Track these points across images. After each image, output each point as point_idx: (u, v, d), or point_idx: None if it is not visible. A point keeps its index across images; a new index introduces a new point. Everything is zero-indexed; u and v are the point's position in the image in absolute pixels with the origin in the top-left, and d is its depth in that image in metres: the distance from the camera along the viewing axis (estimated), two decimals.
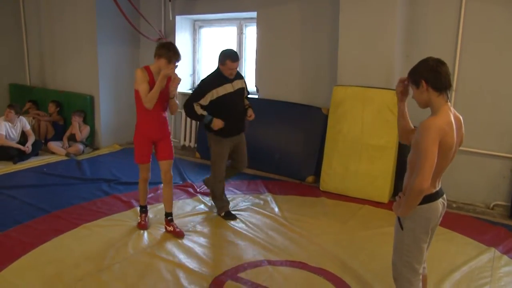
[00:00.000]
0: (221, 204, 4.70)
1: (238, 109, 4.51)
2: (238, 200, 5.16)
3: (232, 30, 7.31)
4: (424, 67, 2.33)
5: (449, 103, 2.36)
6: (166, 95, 4.02)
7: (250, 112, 4.56)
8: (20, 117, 6.91)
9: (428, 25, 5.26)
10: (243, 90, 4.53)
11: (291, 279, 3.47)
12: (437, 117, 2.28)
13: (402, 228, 2.46)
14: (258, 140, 6.20)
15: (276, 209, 4.92)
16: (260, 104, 6.55)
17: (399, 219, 2.49)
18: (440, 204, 2.45)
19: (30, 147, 6.71)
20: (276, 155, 6.16)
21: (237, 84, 4.43)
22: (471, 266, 3.72)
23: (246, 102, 4.65)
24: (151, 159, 4.21)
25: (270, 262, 3.71)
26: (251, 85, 6.97)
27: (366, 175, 5.25)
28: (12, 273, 3.40)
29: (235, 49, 7.14)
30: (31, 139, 6.83)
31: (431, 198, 2.40)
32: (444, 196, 2.51)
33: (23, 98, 8.08)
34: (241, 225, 4.50)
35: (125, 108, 7.91)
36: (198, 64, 7.89)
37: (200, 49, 7.85)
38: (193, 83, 7.92)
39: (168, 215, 4.28)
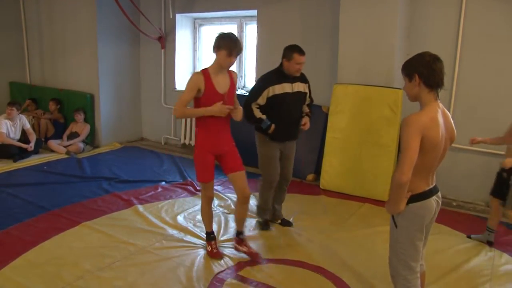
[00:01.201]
0: (262, 212, 4.35)
1: (293, 113, 4.10)
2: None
3: (233, 28, 7.30)
4: (420, 61, 2.32)
5: (438, 101, 2.36)
6: (230, 102, 3.50)
7: (305, 120, 4.14)
8: (20, 115, 6.90)
9: (429, 23, 5.25)
10: (303, 94, 4.13)
11: (291, 278, 3.48)
12: (420, 113, 2.29)
13: (396, 226, 2.46)
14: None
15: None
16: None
17: (393, 217, 2.49)
18: (433, 202, 2.45)
19: (33, 145, 6.71)
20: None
21: (298, 87, 4.06)
22: (471, 264, 3.72)
23: (306, 109, 4.24)
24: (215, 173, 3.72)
25: (269, 261, 3.71)
26: (251, 83, 6.97)
27: (367, 173, 5.25)
28: (13, 271, 3.40)
29: None
30: (33, 138, 6.82)
31: (424, 195, 2.40)
32: (439, 194, 2.51)
33: (23, 96, 8.09)
34: None
35: (125, 107, 7.94)
36: (198, 62, 7.89)
37: (200, 47, 7.84)
38: None
39: (240, 233, 3.80)
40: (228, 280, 3.39)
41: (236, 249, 3.80)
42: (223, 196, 5.21)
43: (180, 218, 4.55)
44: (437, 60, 2.31)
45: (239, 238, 3.80)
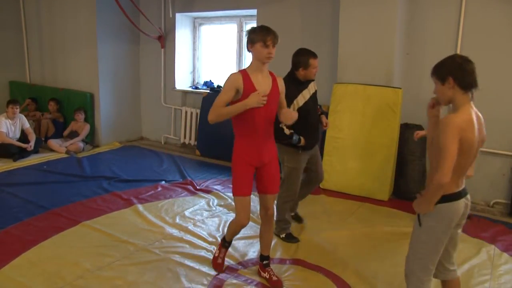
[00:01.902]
0: (284, 226, 4.14)
1: (314, 117, 3.99)
2: None
3: (232, 27, 7.31)
4: (452, 63, 2.31)
5: (471, 102, 2.34)
6: (274, 105, 3.17)
7: (325, 119, 4.06)
8: (20, 115, 6.90)
9: (428, 22, 5.26)
10: (315, 94, 4.04)
11: (290, 276, 3.48)
12: (457, 114, 2.26)
13: (420, 224, 2.42)
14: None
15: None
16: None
17: (418, 215, 2.44)
18: (463, 204, 2.40)
19: (33, 145, 6.72)
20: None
21: (312, 88, 3.97)
22: (471, 263, 3.72)
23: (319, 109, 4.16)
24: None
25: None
26: None
27: (366, 173, 5.25)
28: (13, 270, 3.40)
29: (235, 47, 7.22)
30: (33, 137, 6.82)
31: (453, 197, 2.36)
32: (468, 196, 2.46)
33: (23, 96, 8.09)
34: None
35: (125, 106, 7.94)
36: (198, 61, 7.89)
37: (200, 47, 7.84)
38: (193, 80, 7.92)
39: (264, 258, 3.45)
40: (228, 280, 3.40)
41: (259, 274, 3.48)
42: (223, 196, 5.21)
43: (179, 218, 4.55)
44: (469, 61, 2.31)
45: (263, 264, 3.46)
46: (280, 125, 3.61)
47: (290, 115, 3.11)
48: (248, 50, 3.10)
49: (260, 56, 3.02)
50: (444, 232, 2.39)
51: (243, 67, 7.11)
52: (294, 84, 3.80)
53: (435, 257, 2.44)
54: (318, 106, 4.12)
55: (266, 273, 3.39)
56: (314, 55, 3.84)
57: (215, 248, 3.69)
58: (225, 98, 3.01)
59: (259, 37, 2.99)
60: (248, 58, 7.15)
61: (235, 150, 3.18)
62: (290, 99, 3.66)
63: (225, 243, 3.51)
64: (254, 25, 6.60)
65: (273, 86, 3.12)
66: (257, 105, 2.96)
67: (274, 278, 3.35)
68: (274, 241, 4.08)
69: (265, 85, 3.08)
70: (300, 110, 3.70)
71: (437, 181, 2.22)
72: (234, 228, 3.37)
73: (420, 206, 2.41)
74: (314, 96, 3.99)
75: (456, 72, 2.28)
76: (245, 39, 3.18)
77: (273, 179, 3.27)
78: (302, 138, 3.76)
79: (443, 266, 2.58)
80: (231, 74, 3.07)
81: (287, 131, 3.71)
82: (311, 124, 3.91)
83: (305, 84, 3.89)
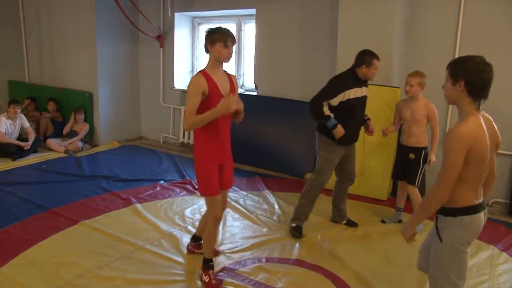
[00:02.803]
0: (299, 216, 4.24)
1: (359, 117, 4.16)
2: (237, 197, 5.16)
3: (231, 27, 7.29)
4: (471, 66, 2.14)
5: (479, 110, 2.20)
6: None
7: (372, 125, 4.18)
8: (20, 114, 6.90)
9: (428, 22, 5.26)
10: (366, 98, 4.18)
11: (289, 277, 3.48)
12: (466, 122, 2.12)
13: (441, 240, 2.26)
14: (257, 136, 6.21)
15: (276, 206, 4.93)
16: (259, 101, 6.56)
17: (437, 230, 2.29)
18: (482, 217, 2.27)
19: (30, 144, 6.71)
20: (276, 151, 6.16)
21: (365, 91, 4.12)
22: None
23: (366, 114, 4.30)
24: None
25: (268, 259, 3.72)
26: (250, 82, 6.98)
27: (366, 172, 5.25)
28: (12, 270, 3.40)
29: (234, 47, 7.20)
30: (32, 137, 6.82)
31: (473, 210, 2.22)
32: (486, 209, 2.32)
33: (22, 95, 8.08)
34: (240, 222, 4.50)
35: (124, 105, 7.94)
36: (197, 61, 7.89)
37: (199, 46, 7.83)
38: None
39: (197, 239, 3.76)
40: (226, 279, 3.40)
41: (191, 252, 3.77)
42: None
43: (178, 217, 4.55)
44: (490, 71, 2.15)
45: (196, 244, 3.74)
46: (323, 102, 3.91)
47: (242, 115, 3.19)
48: (207, 51, 3.19)
49: (221, 56, 3.11)
50: (464, 245, 2.26)
51: (242, 66, 7.17)
52: (353, 78, 4.02)
53: (462, 271, 2.29)
54: (366, 113, 4.26)
55: (207, 276, 3.35)
56: (378, 57, 4.00)
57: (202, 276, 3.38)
58: (194, 103, 2.99)
59: (220, 38, 3.07)
60: (246, 57, 7.16)
61: (200, 151, 3.19)
62: (342, 89, 3.91)
63: (209, 263, 3.39)
64: (254, 25, 6.62)
65: (231, 84, 3.23)
66: (227, 111, 2.97)
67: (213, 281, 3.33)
68: (273, 240, 4.09)
69: (225, 84, 3.18)
70: (347, 102, 3.93)
71: (437, 197, 2.14)
72: (212, 230, 3.32)
73: (413, 223, 2.31)
74: (364, 99, 4.13)
75: (471, 77, 2.12)
76: (202, 40, 3.20)
77: (231, 175, 3.39)
78: (339, 126, 3.87)
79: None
80: (193, 78, 3.10)
81: (326, 111, 3.89)
82: (354, 122, 4.09)
83: (362, 83, 4.07)
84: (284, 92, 6.37)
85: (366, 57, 3.98)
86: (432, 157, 4.20)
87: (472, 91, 2.13)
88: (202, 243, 3.50)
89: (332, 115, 3.89)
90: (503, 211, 5.01)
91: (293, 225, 4.22)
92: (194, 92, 3.01)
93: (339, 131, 3.88)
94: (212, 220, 3.29)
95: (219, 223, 3.39)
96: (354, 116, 4.04)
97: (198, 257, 3.70)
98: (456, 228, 2.22)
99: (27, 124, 6.94)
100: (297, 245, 4.02)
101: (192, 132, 7.47)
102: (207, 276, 3.33)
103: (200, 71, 3.15)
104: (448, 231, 2.24)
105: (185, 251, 3.83)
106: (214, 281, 3.31)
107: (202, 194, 3.29)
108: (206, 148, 3.17)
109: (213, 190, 3.20)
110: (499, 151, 5.07)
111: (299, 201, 4.25)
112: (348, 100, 3.93)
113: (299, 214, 4.24)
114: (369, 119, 4.26)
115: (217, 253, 3.76)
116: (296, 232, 4.18)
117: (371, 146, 5.22)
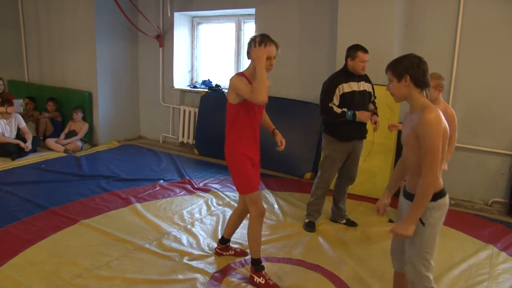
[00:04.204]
0: (310, 212, 4.39)
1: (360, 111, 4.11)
2: (237, 196, 5.15)
3: (231, 26, 7.30)
4: (409, 62, 2.33)
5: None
6: (261, 111, 3.36)
7: (376, 118, 4.13)
8: (16, 114, 6.87)
9: (427, 22, 5.26)
10: (368, 94, 4.23)
11: (289, 276, 3.47)
12: (435, 109, 2.26)
13: (423, 224, 2.37)
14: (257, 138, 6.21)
15: (275, 206, 4.93)
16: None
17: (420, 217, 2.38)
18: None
19: (30, 145, 6.70)
20: (276, 149, 6.15)
21: (363, 86, 4.18)
22: (469, 263, 3.73)
23: (371, 107, 4.31)
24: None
25: (267, 259, 3.71)
26: None
27: (365, 172, 5.24)
28: (11, 269, 3.40)
29: (233, 46, 7.22)
30: (30, 137, 6.80)
31: (444, 191, 2.40)
32: None
33: (21, 95, 8.05)
34: None
35: (123, 105, 7.94)
36: (196, 60, 7.88)
37: (199, 46, 7.83)
38: (192, 79, 7.91)
39: (226, 240, 3.76)
40: (226, 278, 3.39)
41: (219, 254, 3.74)
42: (222, 195, 5.21)
43: (178, 217, 4.55)
44: (424, 62, 2.35)
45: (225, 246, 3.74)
46: (330, 105, 4.02)
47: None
48: (249, 58, 3.17)
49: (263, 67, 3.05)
50: (439, 225, 2.42)
51: (241, 66, 7.16)
52: (343, 73, 4.13)
53: (434, 252, 2.44)
54: (375, 107, 4.31)
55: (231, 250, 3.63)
56: (364, 50, 4.07)
57: (257, 279, 3.28)
58: (250, 87, 3.03)
59: (261, 44, 3.07)
60: (246, 58, 7.14)
61: (235, 147, 3.20)
62: (335, 85, 4.04)
63: (259, 263, 3.31)
64: (253, 24, 6.61)
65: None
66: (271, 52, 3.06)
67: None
68: (272, 240, 4.09)
69: None
70: (343, 96, 4.03)
71: (432, 183, 2.24)
72: (257, 228, 3.26)
73: (415, 214, 2.33)
74: (364, 93, 4.18)
75: (413, 71, 2.31)
76: (246, 45, 3.25)
77: (259, 175, 3.39)
78: (358, 112, 3.98)
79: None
80: (239, 78, 3.12)
81: (338, 110, 4.01)
82: None
83: (355, 77, 4.12)
84: (283, 92, 6.37)
85: (350, 51, 4.08)
86: (445, 166, 3.89)
87: (418, 82, 2.33)
88: (249, 243, 3.37)
89: (345, 109, 4.01)
90: (503, 210, 5.02)
91: (306, 220, 4.40)
92: (246, 86, 3.05)
93: (363, 115, 4.00)
94: (256, 217, 3.23)
95: (263, 218, 3.30)
96: (353, 109, 4.04)
97: (198, 257, 3.71)
98: (437, 211, 2.37)
99: (23, 124, 6.90)
100: (297, 245, 4.01)
101: (192, 132, 7.47)
102: (261, 277, 3.25)
103: (240, 73, 3.18)
104: (430, 215, 2.36)
105: (184, 249, 3.81)
106: (271, 282, 3.23)
107: (242, 192, 3.26)
108: (241, 144, 3.20)
109: (253, 186, 3.19)
110: (498, 150, 5.13)
111: (309, 199, 4.41)
112: (344, 93, 4.04)
113: (310, 211, 4.40)
114: (375, 113, 4.24)
115: (242, 253, 3.76)
116: (308, 227, 4.35)
117: (370, 146, 5.21)
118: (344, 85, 4.05)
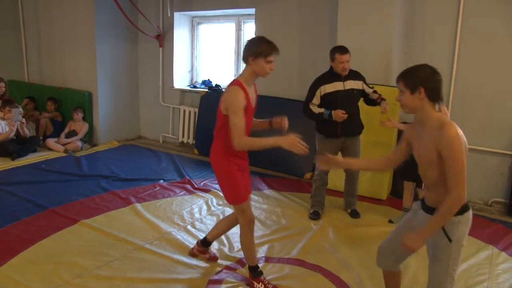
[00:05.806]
0: (313, 202, 4.70)
1: (346, 110, 4.21)
2: None
3: (231, 26, 7.30)
4: (424, 73, 2.24)
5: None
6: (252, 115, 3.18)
7: (385, 105, 4.26)
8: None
9: (427, 22, 5.26)
10: (356, 91, 4.36)
11: (289, 276, 3.48)
12: (453, 124, 2.18)
13: (450, 240, 2.27)
14: (256, 136, 6.20)
15: (275, 206, 4.93)
16: (258, 100, 6.55)
17: (445, 232, 2.27)
18: None
19: (26, 131, 6.74)
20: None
21: (350, 84, 4.31)
22: (469, 263, 3.72)
23: (375, 95, 4.40)
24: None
25: (267, 259, 3.71)
26: None
27: (365, 172, 5.24)
28: (11, 269, 3.40)
29: (233, 46, 7.21)
30: (24, 125, 6.78)
31: (468, 205, 2.32)
32: None
33: (21, 95, 8.07)
34: None
35: (123, 105, 7.94)
36: (196, 60, 7.88)
37: (198, 46, 7.83)
38: (191, 79, 7.91)
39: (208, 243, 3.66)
40: (226, 279, 3.40)
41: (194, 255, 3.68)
42: (221, 195, 5.18)
43: (178, 217, 4.55)
44: (438, 73, 2.25)
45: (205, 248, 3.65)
46: (309, 105, 4.30)
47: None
48: (247, 62, 3.00)
49: (262, 71, 2.98)
50: (465, 241, 2.33)
51: (241, 66, 7.13)
52: (327, 75, 4.35)
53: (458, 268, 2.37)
54: (378, 95, 4.41)
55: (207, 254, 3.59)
56: (340, 51, 4.22)
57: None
58: (242, 121, 2.89)
59: (265, 51, 2.94)
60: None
61: (224, 157, 3.09)
62: (317, 86, 4.30)
63: (257, 270, 3.30)
64: (253, 24, 6.61)
65: (256, 95, 3.18)
66: (290, 148, 2.99)
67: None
68: (273, 240, 4.09)
69: (254, 96, 3.12)
70: (325, 96, 4.27)
71: (461, 199, 2.17)
72: (248, 237, 3.22)
73: (420, 238, 2.26)
74: (351, 92, 4.33)
75: (428, 83, 2.21)
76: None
77: (249, 180, 3.31)
78: (334, 111, 4.17)
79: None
80: (234, 92, 2.92)
81: (316, 110, 4.28)
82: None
83: (340, 77, 4.29)
84: (283, 91, 6.38)
85: (330, 53, 4.29)
86: None
87: (432, 96, 2.23)
88: (243, 252, 3.35)
89: (322, 110, 4.25)
90: (503, 210, 5.02)
91: (311, 211, 4.66)
92: (239, 108, 2.87)
93: (337, 114, 4.17)
94: (245, 225, 3.19)
95: (253, 226, 3.26)
96: (336, 108, 4.21)
97: (198, 256, 3.71)
98: (463, 224, 2.29)
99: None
100: (297, 245, 4.01)
101: (192, 132, 7.47)
102: (260, 283, 3.24)
103: (237, 83, 2.98)
104: (458, 230, 2.28)
105: (184, 250, 3.81)
106: (270, 286, 3.23)
107: (230, 203, 3.20)
108: (231, 154, 3.06)
109: (242, 196, 3.12)
110: (498, 150, 5.12)
111: (311, 192, 4.72)
112: (326, 94, 4.26)
113: (312, 202, 4.69)
114: (382, 99, 4.35)
115: (216, 258, 3.68)
116: (313, 215, 4.61)
117: (370, 146, 5.21)
118: (327, 86, 4.27)
